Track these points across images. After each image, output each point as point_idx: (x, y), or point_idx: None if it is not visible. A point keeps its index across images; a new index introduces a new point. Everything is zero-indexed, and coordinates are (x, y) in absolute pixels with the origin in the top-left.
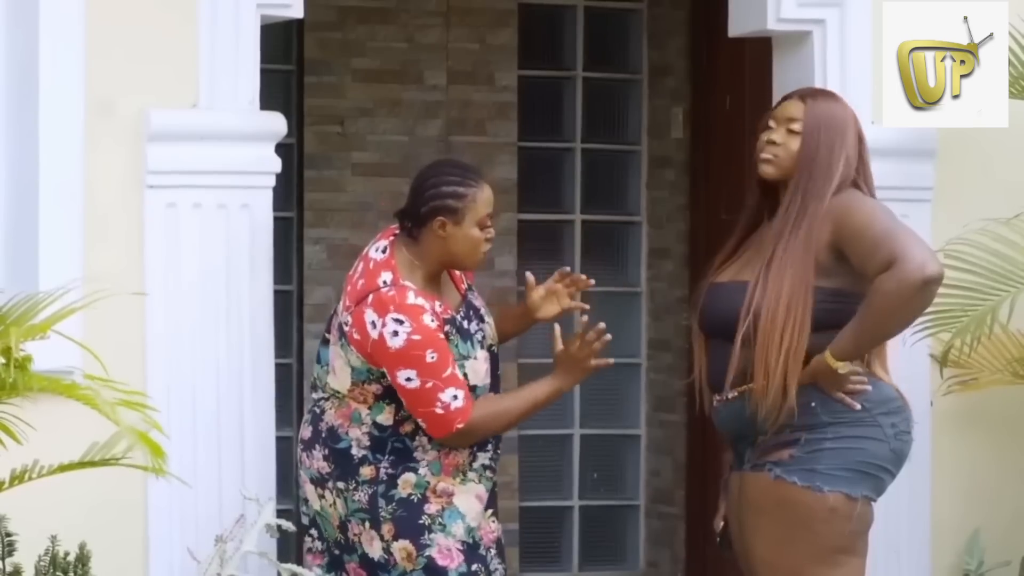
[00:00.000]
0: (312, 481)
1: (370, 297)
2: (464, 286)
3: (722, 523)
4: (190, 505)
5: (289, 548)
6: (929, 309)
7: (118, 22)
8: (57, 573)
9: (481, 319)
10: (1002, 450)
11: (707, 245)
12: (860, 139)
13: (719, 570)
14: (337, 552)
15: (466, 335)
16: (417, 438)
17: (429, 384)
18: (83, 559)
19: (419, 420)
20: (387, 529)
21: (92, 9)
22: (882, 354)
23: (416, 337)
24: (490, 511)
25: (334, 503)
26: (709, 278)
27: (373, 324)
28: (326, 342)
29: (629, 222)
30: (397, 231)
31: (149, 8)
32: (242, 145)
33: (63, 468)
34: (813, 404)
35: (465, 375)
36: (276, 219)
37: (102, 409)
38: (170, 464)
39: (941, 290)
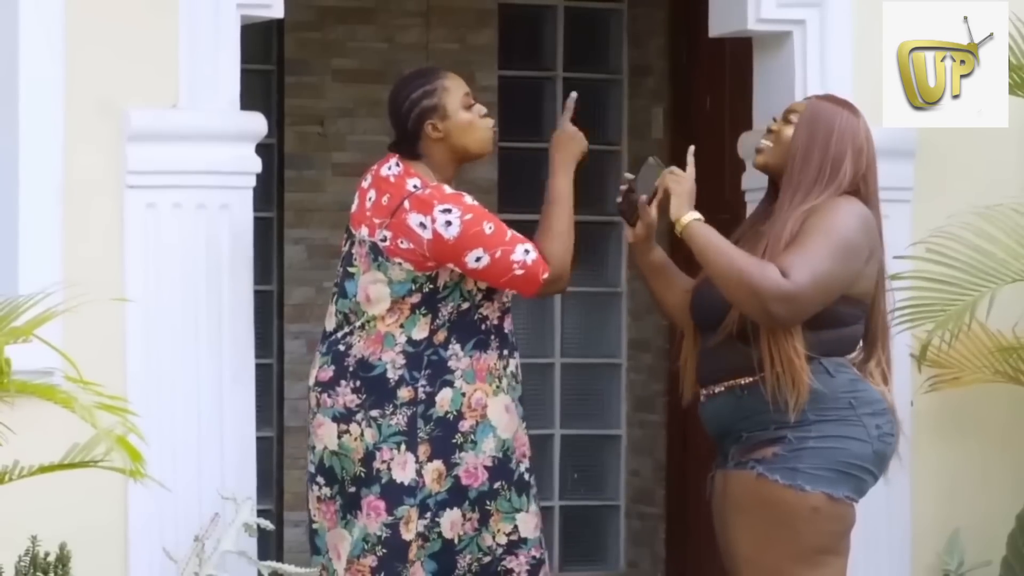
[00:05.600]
0: (335, 419)
1: (406, 203)
2: None
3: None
4: (170, 505)
5: (269, 547)
6: (908, 303)
7: (98, 22)
8: (37, 573)
9: None
10: (982, 450)
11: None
12: (867, 145)
13: (699, 570)
14: (353, 489)
15: None
16: (451, 346)
17: (498, 253)
18: (63, 559)
19: (509, 290)
20: (423, 450)
21: (72, 9)
22: (886, 364)
23: (468, 216)
24: (524, 423)
25: (361, 435)
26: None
27: (422, 225)
28: (349, 275)
29: (609, 223)
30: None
31: (129, 8)
32: (222, 145)
33: (43, 469)
34: None
35: None
36: (256, 219)
37: (80, 412)
38: (150, 465)
39: (920, 284)
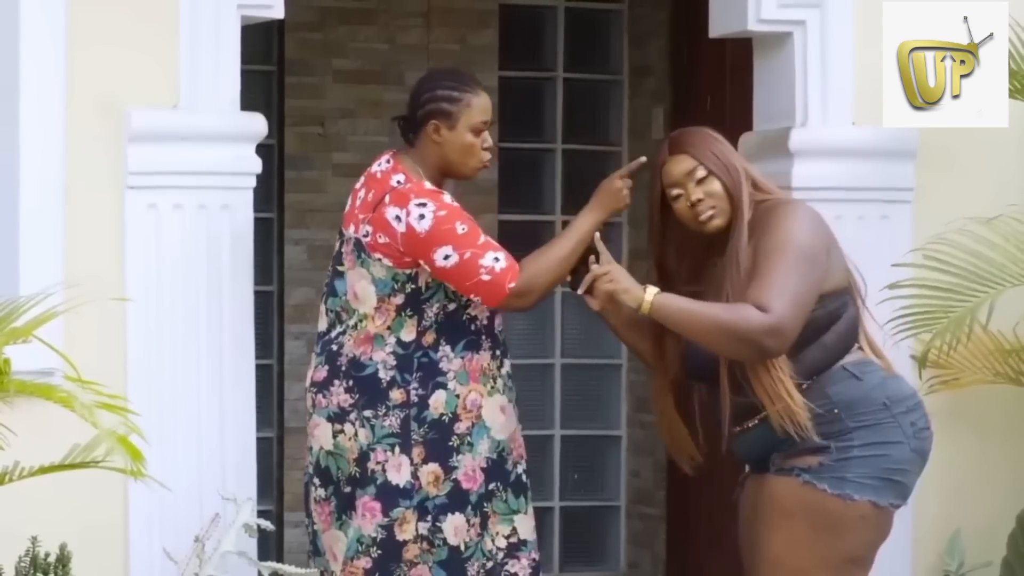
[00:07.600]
0: (329, 419)
1: (387, 197)
2: None
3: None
4: (170, 506)
5: (269, 547)
6: (909, 311)
7: (99, 22)
8: (38, 574)
9: None
10: (983, 450)
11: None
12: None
13: (700, 570)
14: (348, 489)
15: None
16: (441, 348)
17: (467, 255)
18: (63, 560)
19: (474, 296)
20: (417, 453)
21: (73, 9)
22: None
23: (442, 213)
24: (519, 425)
25: (355, 435)
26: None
27: (398, 218)
28: (339, 274)
29: (609, 223)
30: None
31: (130, 8)
32: (223, 146)
33: (44, 470)
34: (837, 411)
35: None
36: (256, 220)
37: (80, 412)
38: (150, 466)
39: (921, 291)
